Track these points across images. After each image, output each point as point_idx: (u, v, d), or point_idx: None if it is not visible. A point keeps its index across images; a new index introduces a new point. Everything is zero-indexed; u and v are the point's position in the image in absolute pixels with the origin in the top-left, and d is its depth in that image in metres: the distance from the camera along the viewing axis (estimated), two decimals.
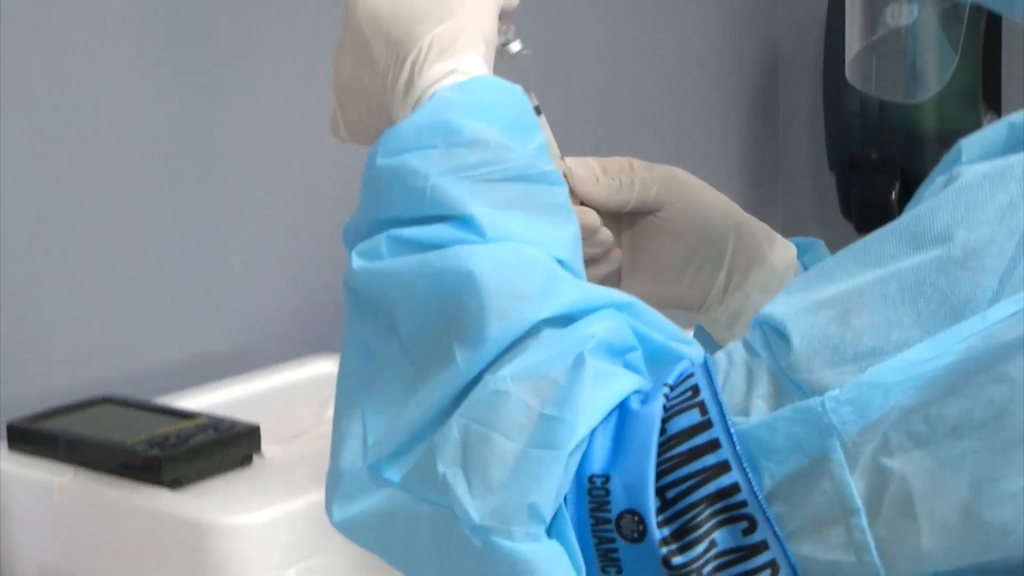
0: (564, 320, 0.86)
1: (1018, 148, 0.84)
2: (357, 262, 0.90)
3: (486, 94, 0.93)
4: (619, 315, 0.87)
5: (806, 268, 1.15)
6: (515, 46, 1.07)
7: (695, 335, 1.20)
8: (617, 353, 0.85)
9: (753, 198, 2.71)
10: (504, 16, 1.04)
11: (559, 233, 0.91)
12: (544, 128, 1.11)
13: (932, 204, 0.81)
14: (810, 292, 0.83)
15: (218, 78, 1.93)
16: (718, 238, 1.14)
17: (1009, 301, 0.76)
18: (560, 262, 0.89)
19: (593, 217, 1.11)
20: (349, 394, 0.91)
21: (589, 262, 1.12)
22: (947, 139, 2.39)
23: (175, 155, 1.90)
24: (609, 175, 1.12)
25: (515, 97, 0.95)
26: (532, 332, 0.85)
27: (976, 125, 2.43)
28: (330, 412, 1.69)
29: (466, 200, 0.88)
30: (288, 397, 1.82)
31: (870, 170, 2.53)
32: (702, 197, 1.15)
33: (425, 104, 0.92)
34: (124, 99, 1.84)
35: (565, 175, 1.11)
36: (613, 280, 1.15)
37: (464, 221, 0.88)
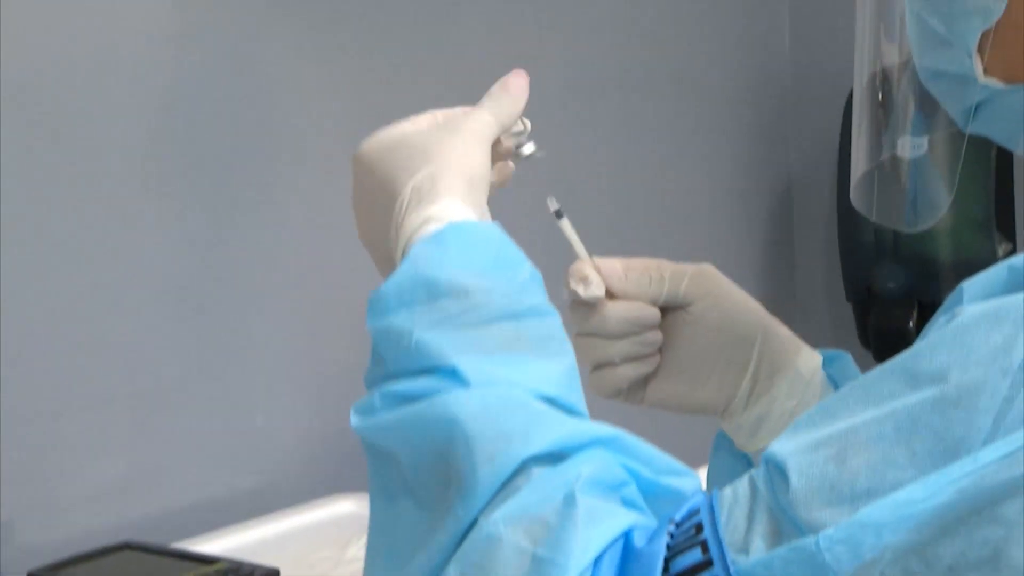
0: (553, 457, 0.87)
1: (1017, 290, 0.85)
2: (354, 419, 0.92)
3: (461, 240, 0.95)
4: (607, 452, 0.88)
5: (832, 380, 1.17)
6: (527, 148, 1.08)
7: (716, 442, 1.21)
8: (610, 489, 0.86)
9: None
10: (505, 132, 1.07)
11: (548, 367, 0.92)
12: (568, 231, 1.14)
13: (929, 343, 0.82)
14: (813, 429, 0.84)
15: (234, 228, 1.95)
16: (745, 339, 1.15)
17: (1002, 442, 0.77)
18: (549, 398, 0.91)
19: (652, 313, 1.14)
20: (374, 539, 0.93)
21: (633, 359, 1.15)
22: (962, 268, 2.40)
23: (191, 300, 1.91)
24: (637, 272, 1.15)
25: (491, 235, 0.97)
26: (522, 471, 0.86)
27: (991, 254, 2.44)
28: (349, 553, 1.71)
29: (448, 351, 0.91)
30: (307, 539, 1.82)
31: (887, 300, 2.54)
32: (731, 295, 1.17)
33: (403, 261, 0.95)
34: (138, 248, 1.86)
35: (597, 271, 1.14)
36: (642, 381, 1.17)
37: (449, 371, 0.90)
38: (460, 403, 0.88)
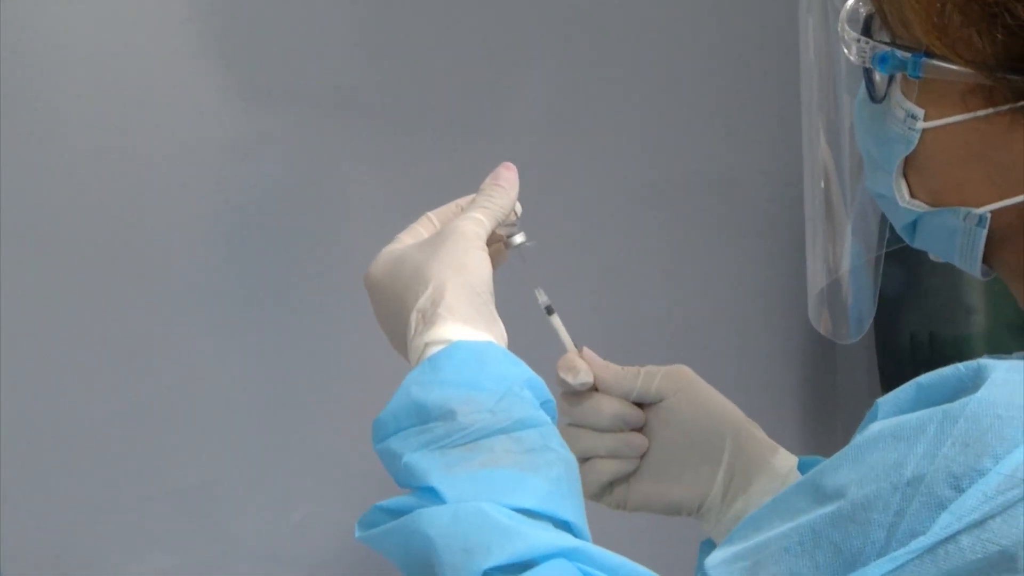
0: (515, 568, 0.93)
1: (922, 406, 0.90)
2: (357, 531, 1.03)
3: (452, 361, 1.03)
4: (568, 563, 0.94)
5: None
6: (518, 238, 1.17)
7: (701, 549, 1.25)
8: None
9: (813, 432, 2.73)
10: (498, 224, 1.14)
11: (530, 481, 0.99)
12: (557, 325, 1.21)
13: (834, 460, 0.87)
14: (739, 541, 0.89)
15: (285, 330, 1.96)
16: (717, 433, 1.21)
17: (886, 559, 0.81)
18: (528, 511, 0.97)
19: (637, 413, 1.20)
20: None
21: (616, 456, 1.22)
22: None
23: (233, 399, 1.93)
24: (617, 366, 1.21)
25: (482, 353, 1.04)
26: None
27: None
28: None
29: (431, 473, 0.99)
30: None
31: None
32: (703, 392, 1.23)
33: (399, 388, 1.04)
34: (185, 349, 1.88)
35: (582, 356, 1.22)
36: (625, 486, 1.23)
37: (429, 490, 0.99)
38: (432, 519, 0.96)
